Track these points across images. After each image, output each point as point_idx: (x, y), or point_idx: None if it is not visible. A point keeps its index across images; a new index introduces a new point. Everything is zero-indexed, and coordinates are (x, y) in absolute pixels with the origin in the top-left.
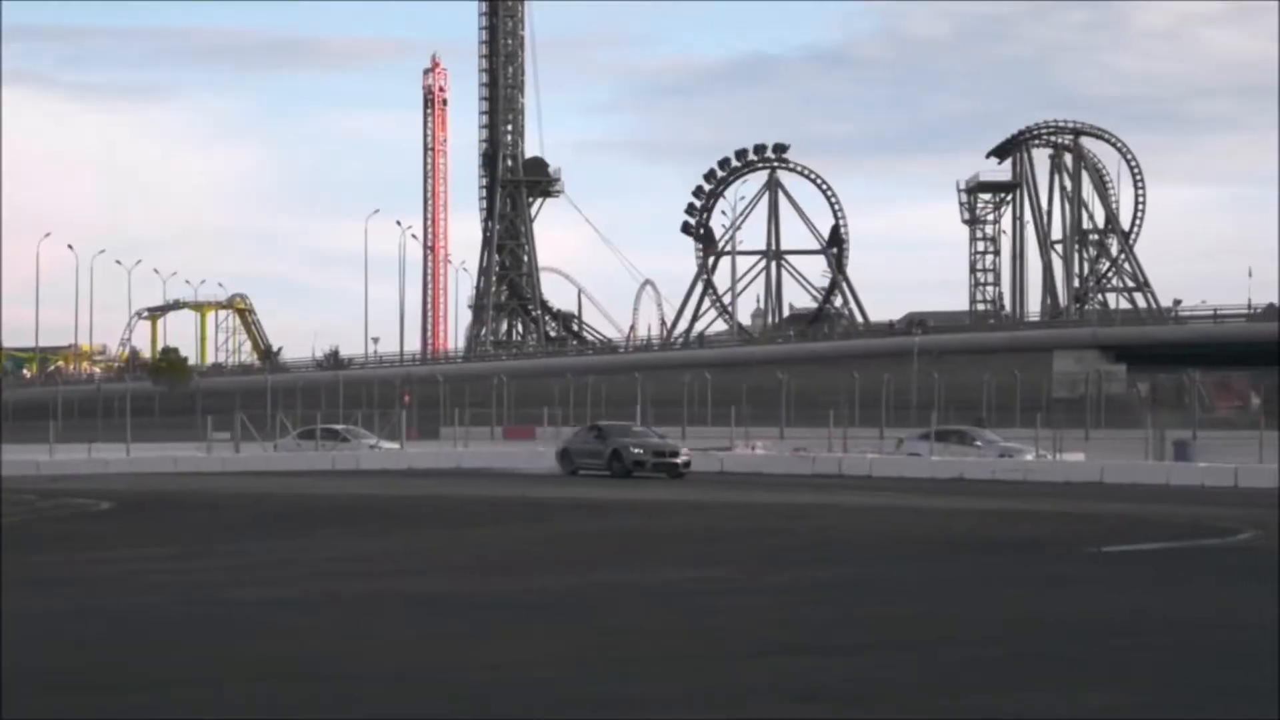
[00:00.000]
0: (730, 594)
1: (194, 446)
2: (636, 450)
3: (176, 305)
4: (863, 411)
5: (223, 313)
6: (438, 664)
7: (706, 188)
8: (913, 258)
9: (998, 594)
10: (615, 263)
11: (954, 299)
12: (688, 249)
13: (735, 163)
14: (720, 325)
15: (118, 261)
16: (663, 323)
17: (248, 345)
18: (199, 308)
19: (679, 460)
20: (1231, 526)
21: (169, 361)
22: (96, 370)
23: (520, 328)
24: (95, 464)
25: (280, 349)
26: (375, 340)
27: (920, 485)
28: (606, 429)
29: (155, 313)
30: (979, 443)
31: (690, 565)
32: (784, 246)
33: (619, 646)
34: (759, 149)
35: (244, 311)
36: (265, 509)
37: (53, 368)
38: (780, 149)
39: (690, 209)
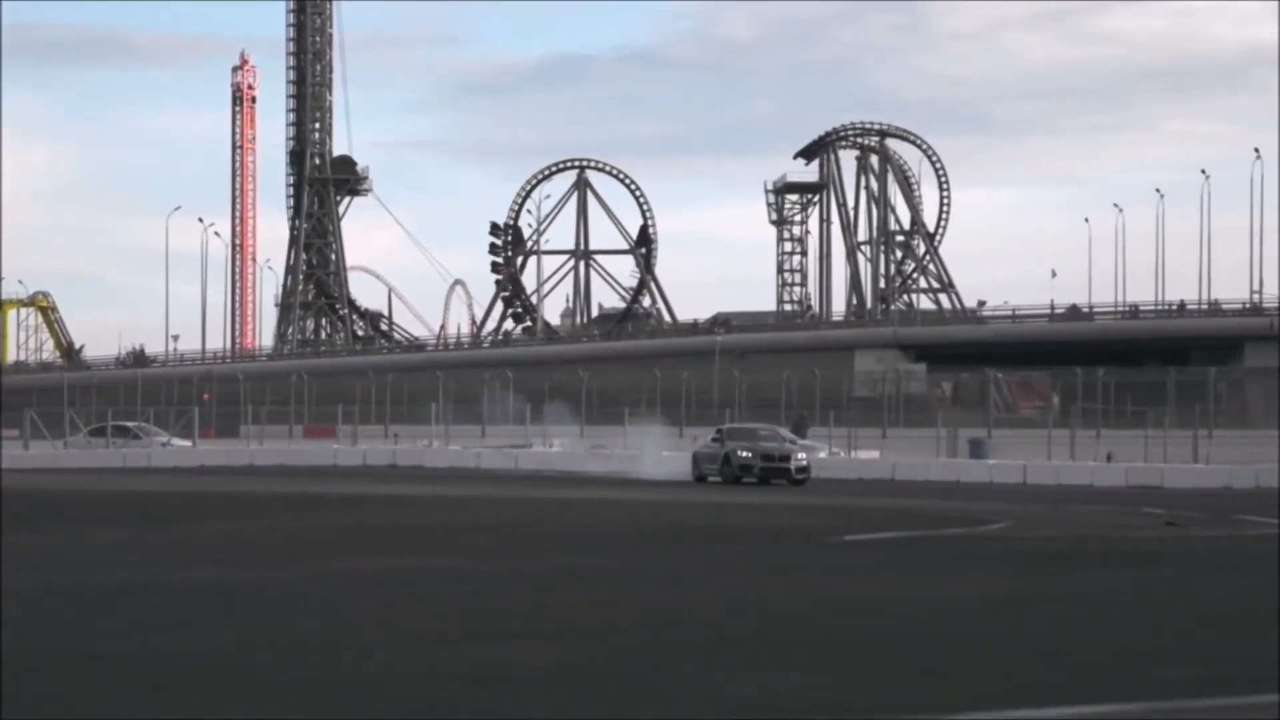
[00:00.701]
0: (445, 583)
1: None
2: (744, 455)
3: None
4: (664, 410)
5: (25, 310)
6: (101, 651)
7: (517, 187)
8: (722, 258)
9: (719, 580)
10: (428, 262)
11: (762, 299)
12: (498, 248)
13: (545, 162)
14: (528, 324)
15: None
16: (473, 322)
17: (50, 343)
18: None
19: (791, 465)
20: (991, 518)
21: None
22: None
23: (328, 326)
24: None
25: (82, 346)
26: (175, 338)
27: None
28: (729, 432)
29: None
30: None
31: (425, 555)
32: (592, 246)
33: (306, 633)
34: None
35: (46, 309)
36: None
37: None
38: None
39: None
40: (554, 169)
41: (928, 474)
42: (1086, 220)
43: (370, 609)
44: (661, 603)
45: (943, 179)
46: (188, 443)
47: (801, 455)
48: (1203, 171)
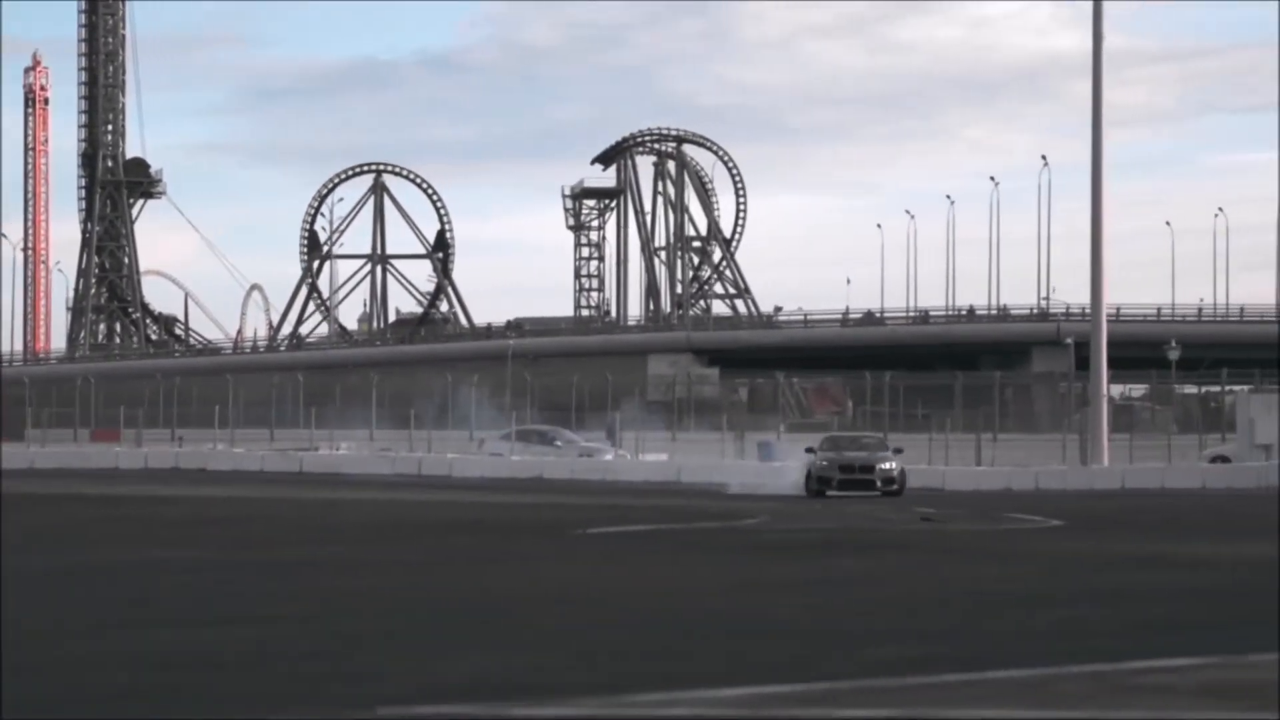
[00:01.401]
0: (175, 572)
1: None
2: (823, 464)
3: None
4: (456, 412)
5: None
6: None
7: (315, 191)
8: (521, 263)
9: (442, 569)
10: (224, 267)
11: (561, 305)
12: (297, 253)
13: (342, 166)
14: (325, 329)
15: None
16: (270, 326)
17: None
18: None
19: (876, 475)
20: (752, 514)
21: None
22: None
23: (120, 330)
24: None
25: None
26: None
27: (492, 484)
28: (824, 441)
29: None
30: (559, 442)
31: (169, 547)
32: (390, 251)
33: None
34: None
35: None
36: None
37: None
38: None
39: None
40: (350, 173)
41: (711, 475)
42: (879, 226)
43: (83, 596)
44: (382, 588)
45: (739, 185)
46: None
47: (890, 464)
48: (992, 179)
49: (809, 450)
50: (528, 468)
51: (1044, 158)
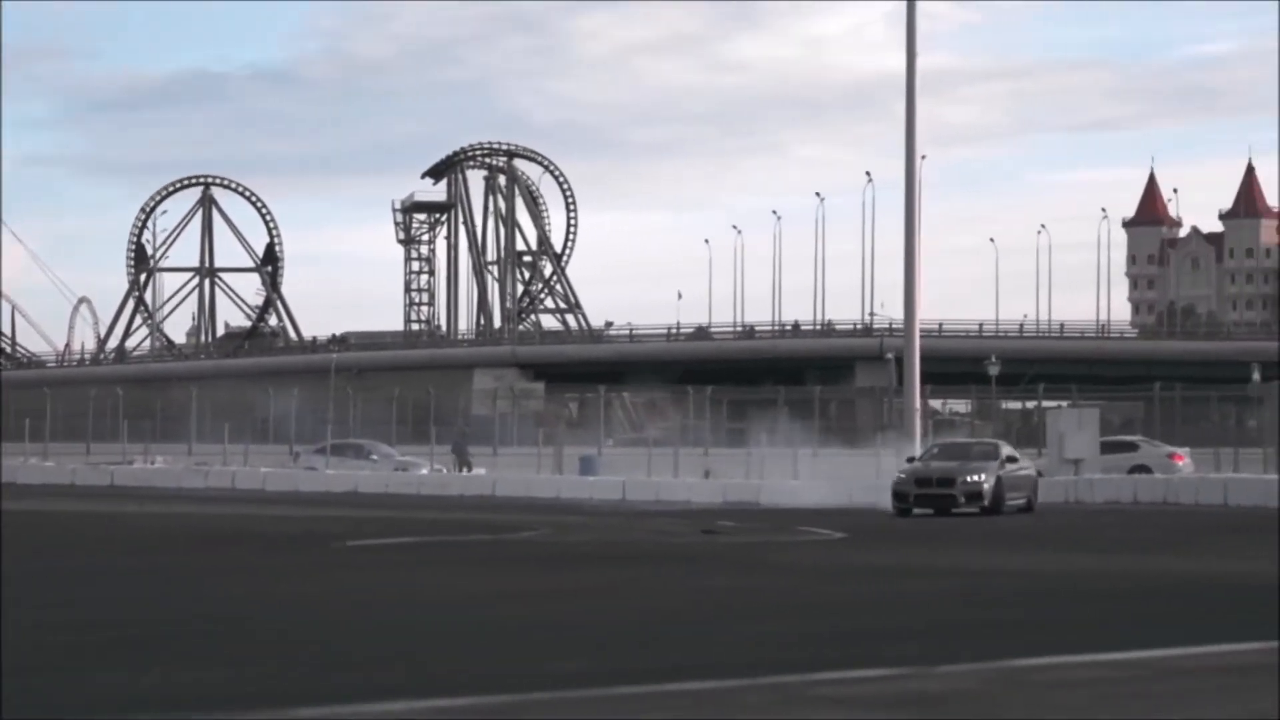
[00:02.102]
0: None
1: None
2: (900, 476)
3: None
4: (277, 427)
5: None
6: None
7: (142, 204)
8: (352, 277)
9: (183, 581)
10: (49, 279)
11: (391, 319)
12: (123, 264)
13: (170, 179)
14: (151, 342)
15: None
16: (98, 339)
17: None
18: None
19: (957, 490)
20: (533, 527)
21: None
22: None
23: None
24: None
25: None
26: None
27: (301, 498)
28: (948, 447)
29: None
30: (375, 456)
31: None
32: (218, 264)
33: None
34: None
35: None
36: None
37: None
38: None
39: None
40: (178, 185)
41: (530, 490)
42: (707, 242)
43: None
44: (109, 598)
45: (570, 200)
46: None
47: (978, 475)
48: (817, 194)
49: (909, 460)
50: (342, 482)
51: (868, 174)
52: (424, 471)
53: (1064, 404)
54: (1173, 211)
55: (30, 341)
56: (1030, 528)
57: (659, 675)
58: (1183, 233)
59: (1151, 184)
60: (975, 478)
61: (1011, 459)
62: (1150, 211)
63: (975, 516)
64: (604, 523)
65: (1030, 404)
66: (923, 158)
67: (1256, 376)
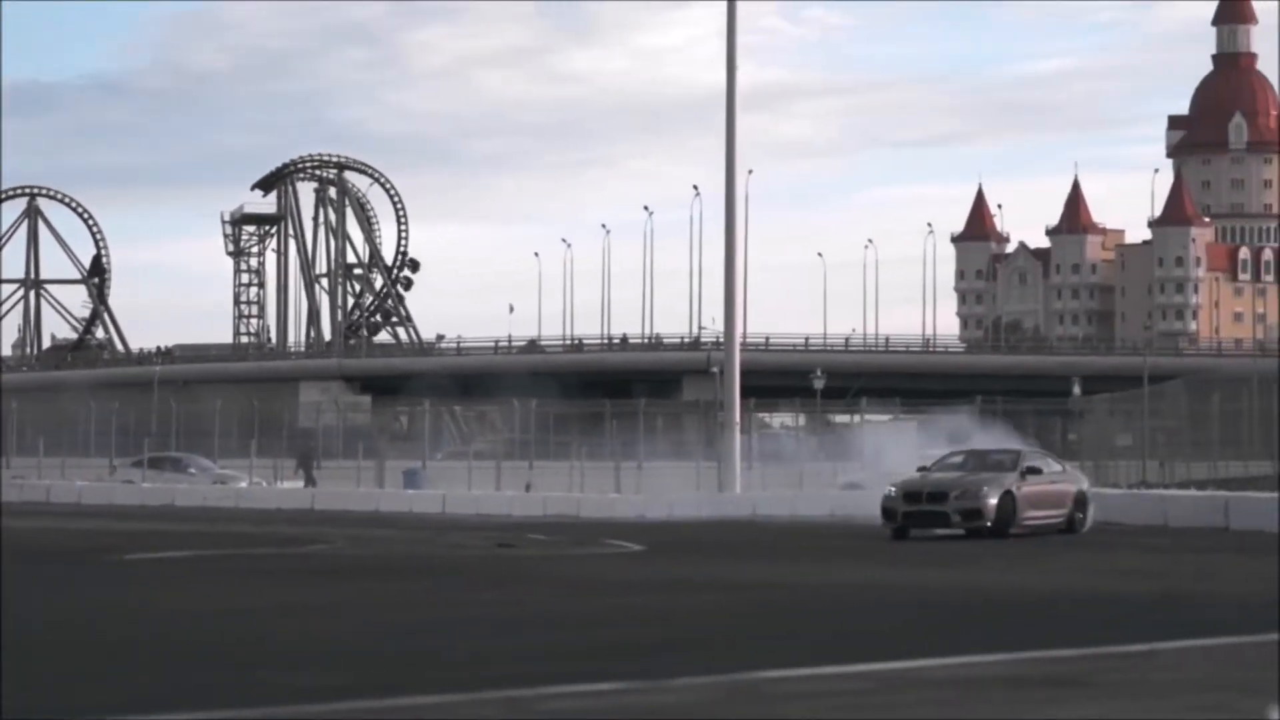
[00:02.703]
0: None
1: None
2: (891, 489)
3: None
4: (99, 440)
5: None
6: None
7: None
8: (182, 290)
9: None
10: None
11: (221, 331)
12: None
13: None
14: None
15: None
16: None
17: None
18: None
19: (949, 508)
20: (325, 540)
21: None
22: None
23: None
24: None
25: None
26: None
27: (109, 510)
28: (969, 456)
29: None
30: (193, 470)
31: None
32: (44, 276)
33: None
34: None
35: None
36: None
37: None
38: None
39: None
40: (4, 196)
41: (348, 504)
42: (537, 255)
43: None
44: None
45: (401, 213)
46: None
47: (980, 490)
48: (646, 209)
49: (919, 469)
50: (160, 495)
51: (695, 188)
52: (243, 485)
53: (887, 417)
54: (1000, 227)
55: None
56: (830, 540)
57: (382, 690)
58: (1010, 248)
59: (980, 200)
60: (975, 492)
61: (1035, 470)
62: (978, 227)
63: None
64: (407, 536)
65: (858, 416)
66: (750, 172)
67: (1077, 390)
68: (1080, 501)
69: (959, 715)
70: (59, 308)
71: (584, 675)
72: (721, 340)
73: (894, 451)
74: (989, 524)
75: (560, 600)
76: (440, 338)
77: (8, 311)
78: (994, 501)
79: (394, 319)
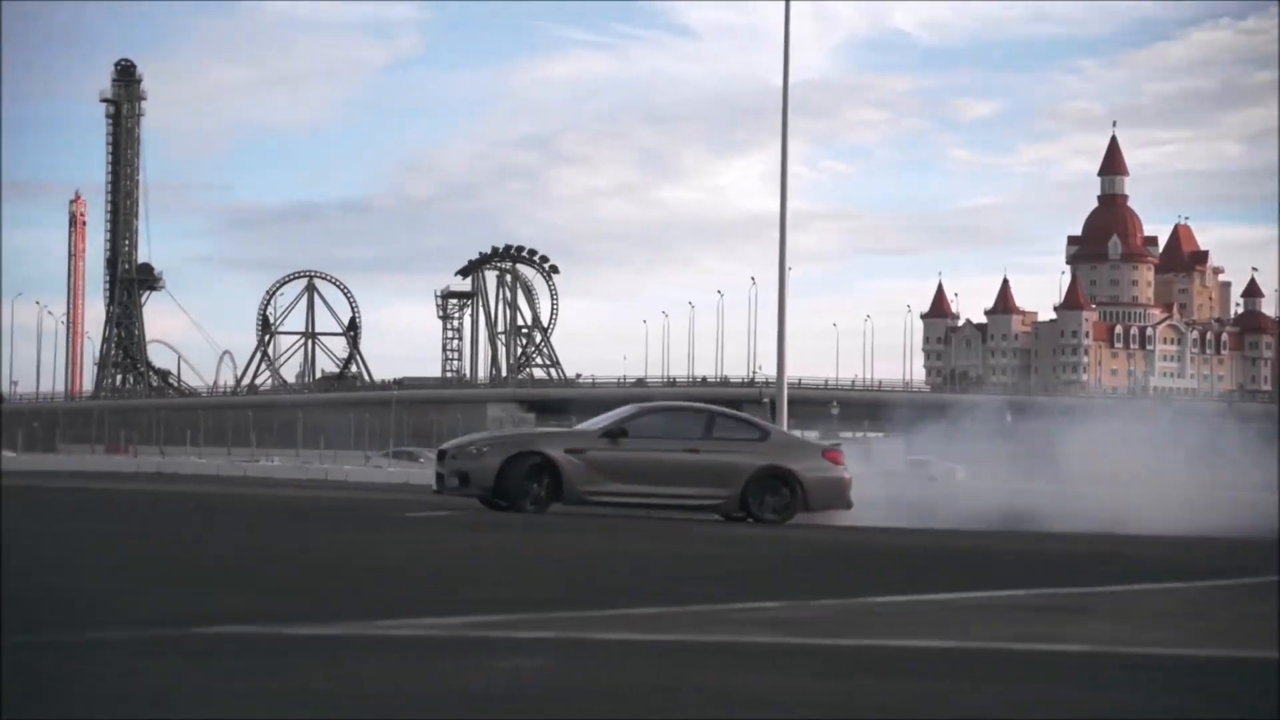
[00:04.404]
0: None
1: None
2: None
3: None
4: (356, 438)
5: None
6: None
7: (266, 288)
8: (407, 341)
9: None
10: (204, 338)
11: (432, 368)
12: (254, 330)
13: (287, 272)
14: (271, 381)
15: None
16: (235, 379)
17: None
18: None
19: (448, 470)
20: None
21: None
22: None
23: (132, 380)
24: None
25: None
26: (15, 383)
27: (371, 486)
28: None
29: None
30: (422, 459)
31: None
32: (317, 330)
33: None
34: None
35: None
36: None
37: None
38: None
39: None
40: (291, 277)
41: None
42: (645, 321)
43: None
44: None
45: (554, 291)
46: (12, 453)
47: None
48: (719, 292)
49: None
50: (400, 475)
51: (753, 279)
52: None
53: (880, 435)
54: (954, 308)
55: (190, 379)
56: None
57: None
58: (960, 323)
59: (940, 290)
60: (476, 452)
61: (710, 436)
62: (939, 308)
63: None
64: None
65: (863, 434)
66: (790, 268)
67: (1009, 417)
68: (764, 481)
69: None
70: (327, 351)
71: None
72: (770, 380)
73: (887, 456)
74: (480, 490)
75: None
76: (578, 375)
77: (292, 355)
78: (496, 464)
79: (548, 362)
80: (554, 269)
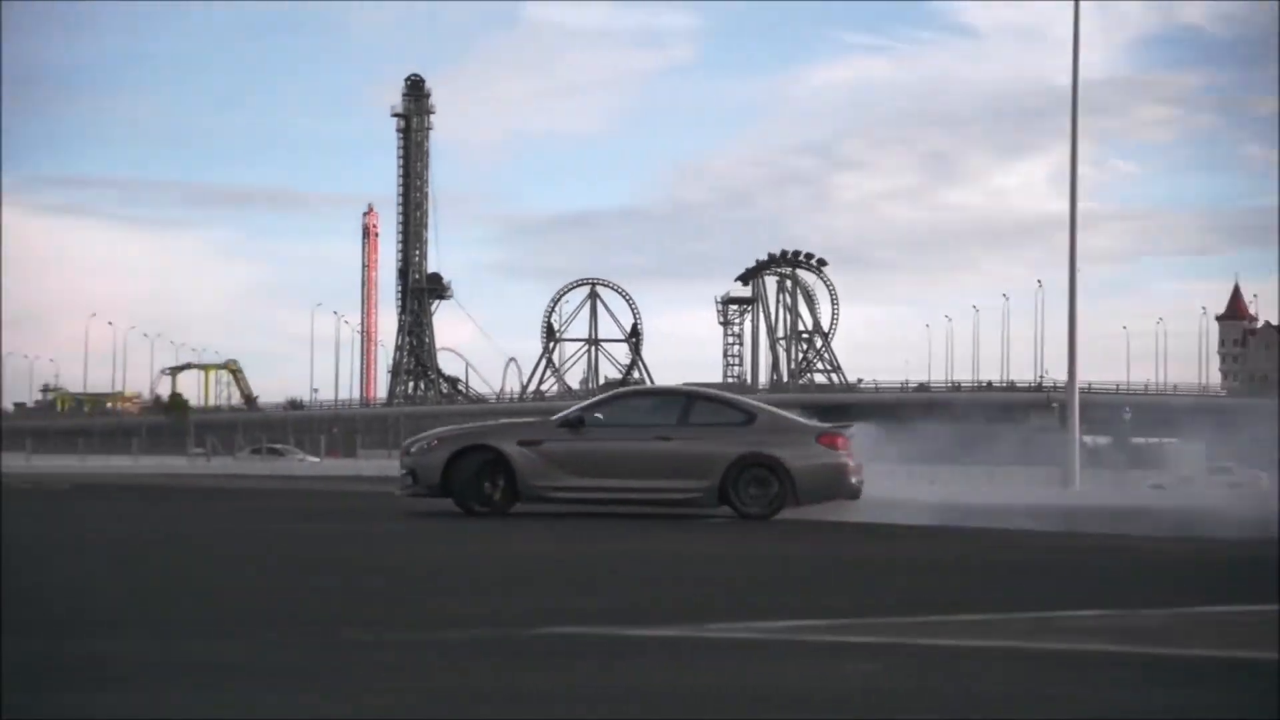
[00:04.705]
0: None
1: (181, 459)
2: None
3: (189, 366)
4: None
5: (221, 372)
6: None
7: (550, 296)
8: (686, 346)
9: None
10: (491, 345)
11: (713, 374)
12: (538, 336)
13: (568, 280)
14: (556, 387)
15: (145, 335)
16: (521, 385)
17: (237, 394)
18: (204, 368)
19: (405, 466)
20: None
21: (175, 403)
22: (132, 409)
23: (423, 386)
24: (103, 469)
25: (258, 396)
26: (316, 391)
27: None
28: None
29: (174, 370)
30: None
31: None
32: (600, 336)
33: None
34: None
35: (235, 371)
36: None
37: (108, 405)
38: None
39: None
40: (574, 284)
41: None
42: (928, 326)
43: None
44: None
45: (834, 297)
46: (316, 459)
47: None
48: (1004, 295)
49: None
50: None
51: (1039, 281)
52: None
53: (1176, 440)
54: (1252, 310)
55: (478, 386)
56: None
57: None
58: (1258, 325)
59: (1236, 291)
60: (425, 447)
61: (685, 421)
62: (1235, 310)
63: None
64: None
65: (1152, 439)
66: (1079, 270)
67: None
68: (746, 470)
69: None
70: (610, 358)
71: None
72: (1058, 384)
73: (1185, 462)
74: (427, 488)
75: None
76: (859, 380)
77: (576, 362)
78: (441, 460)
79: (829, 367)
80: (821, 262)
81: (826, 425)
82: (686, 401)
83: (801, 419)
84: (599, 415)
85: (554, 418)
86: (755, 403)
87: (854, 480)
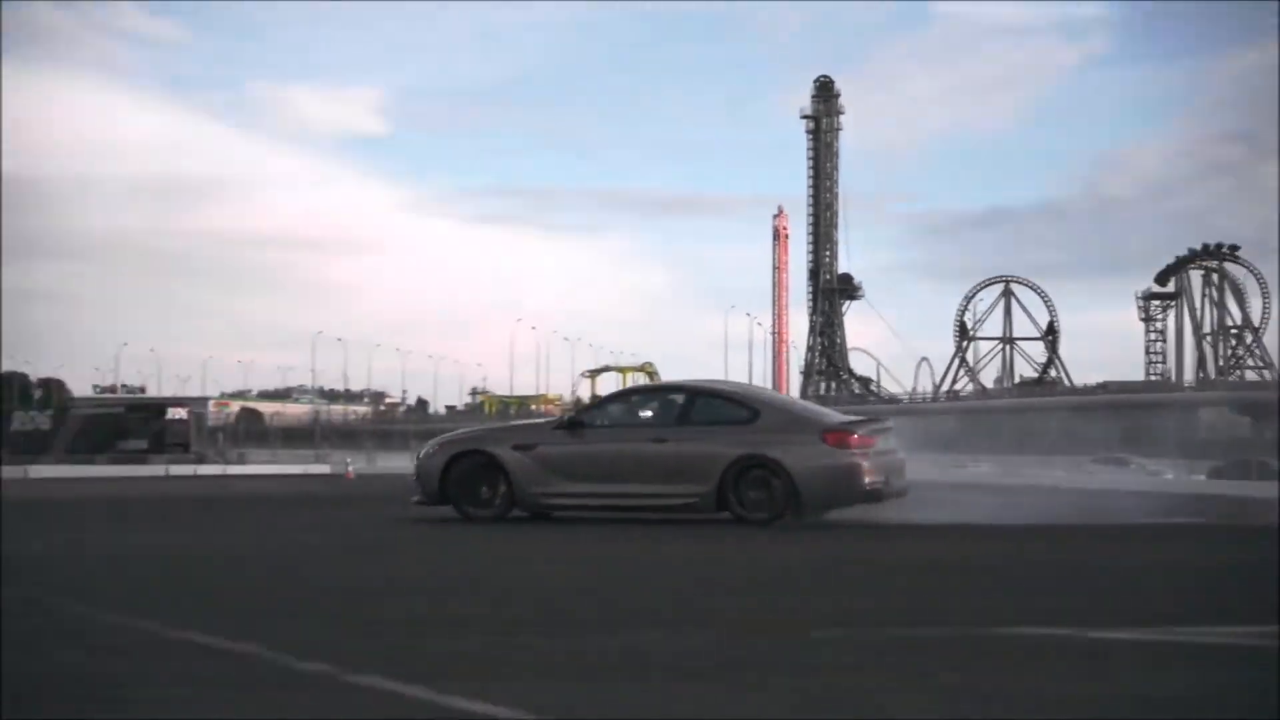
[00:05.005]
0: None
1: None
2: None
3: (607, 368)
4: (1060, 443)
5: (638, 374)
6: None
7: (962, 295)
8: (1108, 343)
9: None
10: (901, 345)
11: (1134, 371)
12: (950, 335)
13: (981, 278)
14: (970, 387)
15: (565, 338)
16: (933, 384)
17: None
18: (621, 370)
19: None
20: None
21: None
22: (555, 410)
23: (834, 386)
24: None
25: None
26: None
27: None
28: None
29: (593, 373)
30: (1131, 465)
31: None
32: (1015, 334)
33: None
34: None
35: (651, 373)
36: None
37: (532, 407)
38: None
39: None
40: (987, 283)
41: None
42: None
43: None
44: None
45: (1265, 291)
46: None
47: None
48: None
49: None
50: (1109, 483)
51: None
52: (1169, 476)
53: None
54: None
55: (889, 385)
56: None
57: None
58: None
59: None
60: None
61: (684, 420)
62: None
63: None
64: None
65: None
66: None
67: None
68: (745, 473)
69: None
70: (1025, 356)
71: None
72: None
73: None
74: (427, 494)
75: None
76: None
77: (990, 360)
78: (439, 465)
79: (1260, 364)
80: (1234, 248)
81: (838, 421)
82: (688, 399)
83: (816, 414)
84: (597, 416)
85: (553, 420)
86: (765, 397)
87: (868, 482)
